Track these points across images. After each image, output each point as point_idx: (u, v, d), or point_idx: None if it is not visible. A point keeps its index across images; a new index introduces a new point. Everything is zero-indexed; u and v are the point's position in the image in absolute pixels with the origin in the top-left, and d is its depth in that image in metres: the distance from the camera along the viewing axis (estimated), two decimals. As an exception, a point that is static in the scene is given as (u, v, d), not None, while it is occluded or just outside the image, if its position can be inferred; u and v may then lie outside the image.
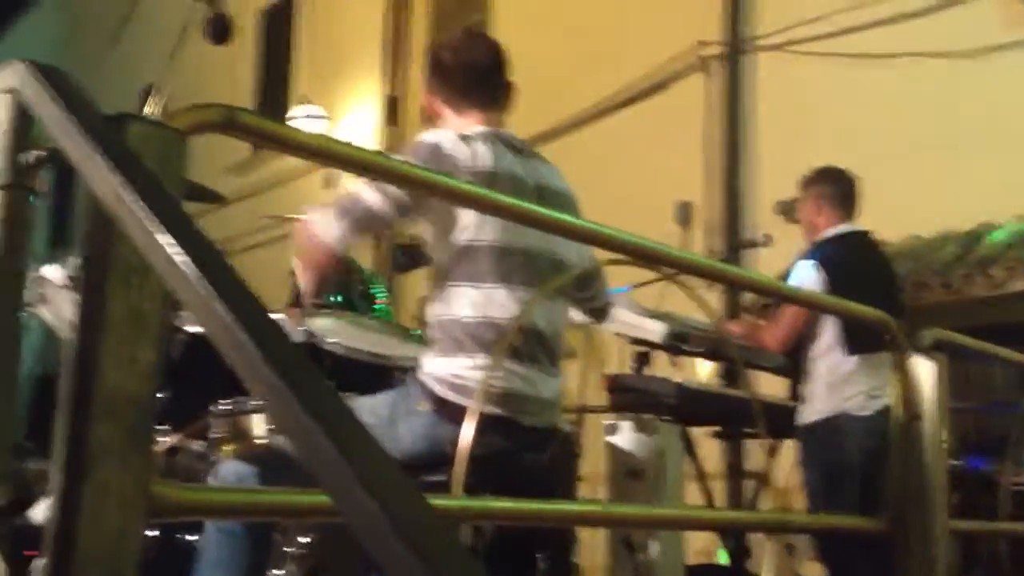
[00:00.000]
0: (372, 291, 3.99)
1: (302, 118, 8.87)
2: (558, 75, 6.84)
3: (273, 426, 2.35)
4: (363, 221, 2.12)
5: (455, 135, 2.23)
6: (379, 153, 1.47)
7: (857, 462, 3.36)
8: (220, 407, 2.44)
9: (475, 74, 2.35)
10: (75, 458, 1.05)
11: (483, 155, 2.20)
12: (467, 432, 1.66)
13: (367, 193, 2.11)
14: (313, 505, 1.23)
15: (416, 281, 5.02)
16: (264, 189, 9.37)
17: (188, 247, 0.91)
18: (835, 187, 3.79)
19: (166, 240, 0.91)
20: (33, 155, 1.08)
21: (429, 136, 2.22)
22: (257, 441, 2.37)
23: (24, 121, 1.11)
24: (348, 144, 1.43)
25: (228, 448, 2.39)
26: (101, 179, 0.98)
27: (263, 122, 1.39)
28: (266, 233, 7.96)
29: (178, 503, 1.17)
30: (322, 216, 2.12)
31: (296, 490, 1.29)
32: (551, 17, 7.24)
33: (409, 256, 2.54)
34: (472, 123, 2.32)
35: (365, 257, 5.71)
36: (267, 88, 10.47)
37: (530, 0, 7.54)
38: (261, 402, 2.40)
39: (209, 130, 1.28)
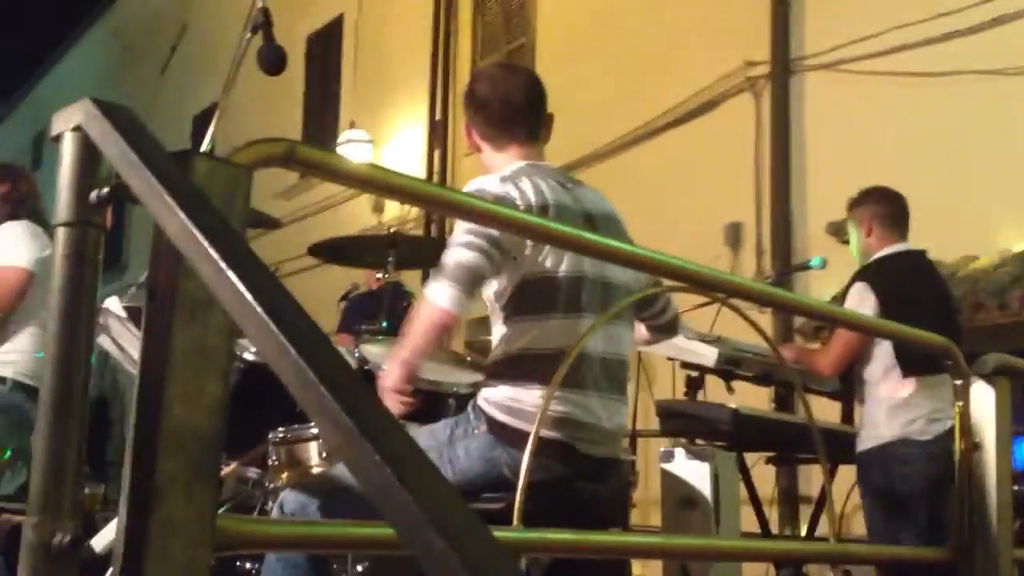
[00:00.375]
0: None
1: (351, 143, 8.96)
2: (605, 96, 6.84)
3: (327, 455, 2.36)
4: (473, 283, 2.15)
5: (496, 179, 2.24)
6: (437, 184, 1.47)
7: (920, 489, 3.29)
8: (277, 435, 2.46)
9: (512, 109, 2.35)
10: (142, 492, 1.06)
11: (529, 191, 2.21)
12: (525, 459, 1.65)
13: (464, 254, 2.14)
14: (375, 537, 1.23)
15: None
16: (312, 213, 9.45)
17: (255, 285, 0.91)
18: (885, 206, 3.72)
19: (234, 278, 0.91)
20: (100, 192, 1.09)
21: (472, 187, 2.23)
22: (313, 469, 2.38)
23: (91, 158, 1.12)
24: (405, 175, 1.43)
25: (284, 476, 2.41)
26: (169, 216, 0.99)
27: (322, 154, 1.41)
28: (314, 258, 8.01)
29: (242, 536, 1.18)
30: (435, 288, 2.15)
31: (358, 522, 1.29)
32: (597, 38, 7.24)
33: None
34: (511, 158, 2.34)
35: (414, 280, 5.73)
36: (315, 113, 10.59)
37: (576, 22, 7.55)
38: (319, 432, 2.41)
39: (271, 164, 1.29)
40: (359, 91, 9.88)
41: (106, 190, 1.11)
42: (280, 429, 2.44)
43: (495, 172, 2.32)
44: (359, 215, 9.18)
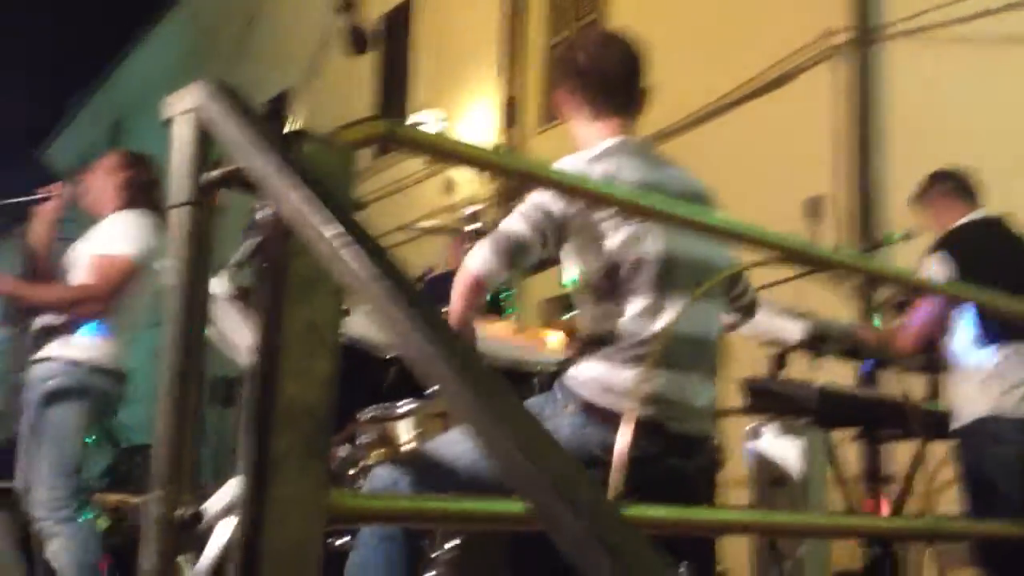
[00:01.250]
0: (501, 295, 4.00)
1: (425, 123, 9.00)
2: (680, 69, 6.75)
3: (418, 431, 2.39)
4: (513, 252, 2.12)
5: (583, 159, 2.20)
6: (535, 162, 1.47)
7: (1016, 467, 3.22)
8: (367, 414, 2.49)
9: (610, 82, 2.30)
10: (259, 467, 1.08)
11: (617, 170, 2.17)
12: (621, 438, 1.65)
13: (514, 224, 2.13)
14: (483, 512, 1.24)
15: (539, 283, 5.03)
16: (383, 195, 9.52)
17: (374, 263, 0.92)
18: (945, 182, 3.67)
19: (353, 256, 0.92)
20: (216, 173, 1.12)
21: (558, 166, 2.18)
22: (403, 447, 2.41)
23: (206, 140, 1.14)
24: (498, 152, 1.44)
25: (375, 454, 2.44)
26: (285, 196, 1.01)
27: (422, 133, 1.42)
28: (386, 240, 8.07)
29: (353, 510, 1.20)
30: (474, 252, 2.15)
31: (464, 497, 1.31)
32: (669, 11, 7.16)
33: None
34: (602, 132, 2.29)
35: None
36: (385, 94, 10.65)
37: (648, -4, 7.48)
38: (407, 409, 2.44)
39: (372, 144, 1.30)
40: (429, 71, 9.91)
41: (219, 171, 1.13)
42: (370, 408, 2.48)
43: (583, 144, 2.29)
44: (429, 197, 9.23)
